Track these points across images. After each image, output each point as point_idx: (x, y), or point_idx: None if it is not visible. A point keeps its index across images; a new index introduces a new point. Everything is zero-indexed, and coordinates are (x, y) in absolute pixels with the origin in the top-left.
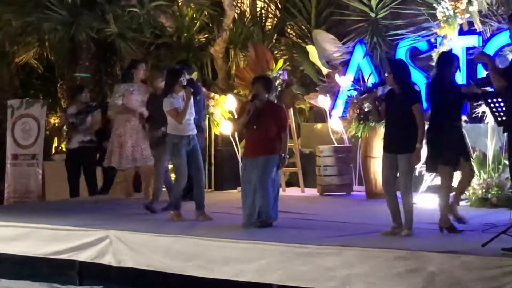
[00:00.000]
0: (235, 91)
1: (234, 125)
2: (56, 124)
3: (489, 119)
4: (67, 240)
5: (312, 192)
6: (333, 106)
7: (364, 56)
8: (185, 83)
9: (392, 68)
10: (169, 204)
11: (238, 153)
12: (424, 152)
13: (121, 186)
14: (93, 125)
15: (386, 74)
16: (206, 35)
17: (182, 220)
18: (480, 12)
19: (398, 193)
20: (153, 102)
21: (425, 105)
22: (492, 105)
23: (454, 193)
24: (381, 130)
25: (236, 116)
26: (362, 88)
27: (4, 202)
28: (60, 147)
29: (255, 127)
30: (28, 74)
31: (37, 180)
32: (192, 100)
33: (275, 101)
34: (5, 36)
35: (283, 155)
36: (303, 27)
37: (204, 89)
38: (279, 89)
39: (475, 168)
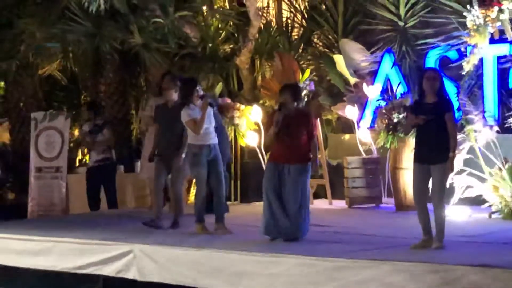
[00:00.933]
0: (261, 101)
1: (265, 138)
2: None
3: None
4: (91, 254)
5: (340, 204)
6: (361, 117)
7: (392, 66)
8: (202, 93)
9: (427, 76)
10: (174, 221)
11: (264, 164)
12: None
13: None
14: (105, 142)
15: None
16: (232, 46)
17: (207, 232)
18: (511, 20)
19: (429, 205)
20: (164, 113)
21: (457, 114)
22: None
23: None
24: (410, 141)
25: (263, 128)
26: (390, 98)
27: (28, 216)
28: (84, 160)
29: (286, 136)
30: (52, 86)
31: (61, 193)
32: (211, 110)
33: None
34: (29, 48)
35: (316, 161)
36: (330, 36)
37: (228, 100)
38: (306, 99)
39: (507, 179)
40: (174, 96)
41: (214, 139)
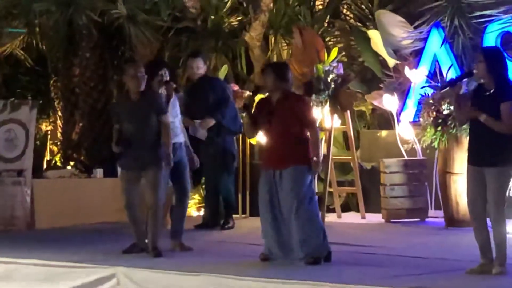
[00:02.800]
0: None
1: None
2: (49, 132)
3: None
4: (63, 279)
5: (376, 218)
6: (402, 108)
7: (442, 44)
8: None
9: (485, 57)
10: (132, 244)
11: None
12: None
13: None
14: None
15: (476, 64)
16: (239, 18)
17: (187, 249)
18: None
19: (488, 220)
20: (125, 107)
21: None
22: None
23: None
24: (466, 139)
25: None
26: (439, 84)
27: None
28: (53, 161)
29: (270, 133)
30: (13, 68)
31: (25, 203)
32: (175, 99)
33: (328, 103)
34: None
35: (314, 158)
36: (363, 6)
37: (235, 86)
38: (333, 86)
39: None
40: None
41: (179, 137)
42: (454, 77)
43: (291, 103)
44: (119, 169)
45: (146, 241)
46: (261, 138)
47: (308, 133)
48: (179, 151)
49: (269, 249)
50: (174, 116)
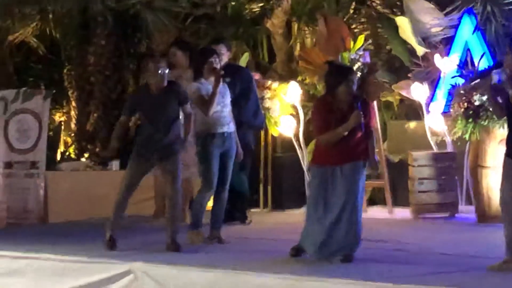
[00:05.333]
0: (299, 78)
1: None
2: (63, 122)
3: None
4: (78, 275)
5: (404, 213)
6: (431, 99)
7: (474, 31)
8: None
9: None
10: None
11: (304, 160)
12: None
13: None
14: None
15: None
16: (261, 4)
17: (202, 242)
18: None
19: None
20: (144, 100)
21: None
22: None
23: None
24: (499, 131)
25: (302, 113)
26: (471, 74)
27: None
28: (67, 153)
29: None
30: (26, 56)
31: (38, 196)
32: (224, 87)
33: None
34: None
35: (375, 156)
36: None
37: (257, 76)
38: (359, 75)
39: None
40: (155, 77)
41: (228, 126)
42: (484, 69)
43: (363, 106)
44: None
45: None
46: (285, 131)
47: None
48: (228, 141)
49: (303, 245)
50: (222, 105)
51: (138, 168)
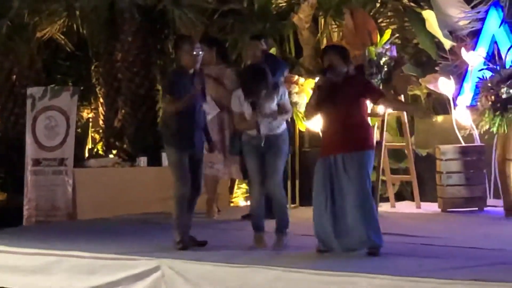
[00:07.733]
0: None
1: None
2: (91, 119)
3: None
4: (106, 272)
5: (432, 207)
6: (458, 92)
7: (500, 24)
8: None
9: None
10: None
11: None
12: None
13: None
14: None
15: None
16: None
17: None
18: None
19: None
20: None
21: None
22: None
23: None
24: None
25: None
26: (498, 68)
27: (23, 222)
28: (95, 149)
29: (334, 115)
30: (54, 53)
31: (66, 193)
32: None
33: (381, 87)
34: (23, 4)
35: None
36: None
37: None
38: (386, 69)
39: None
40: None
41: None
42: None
43: (356, 84)
44: (172, 152)
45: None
46: (313, 125)
47: (381, 103)
48: (273, 139)
49: (323, 242)
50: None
51: (183, 161)
